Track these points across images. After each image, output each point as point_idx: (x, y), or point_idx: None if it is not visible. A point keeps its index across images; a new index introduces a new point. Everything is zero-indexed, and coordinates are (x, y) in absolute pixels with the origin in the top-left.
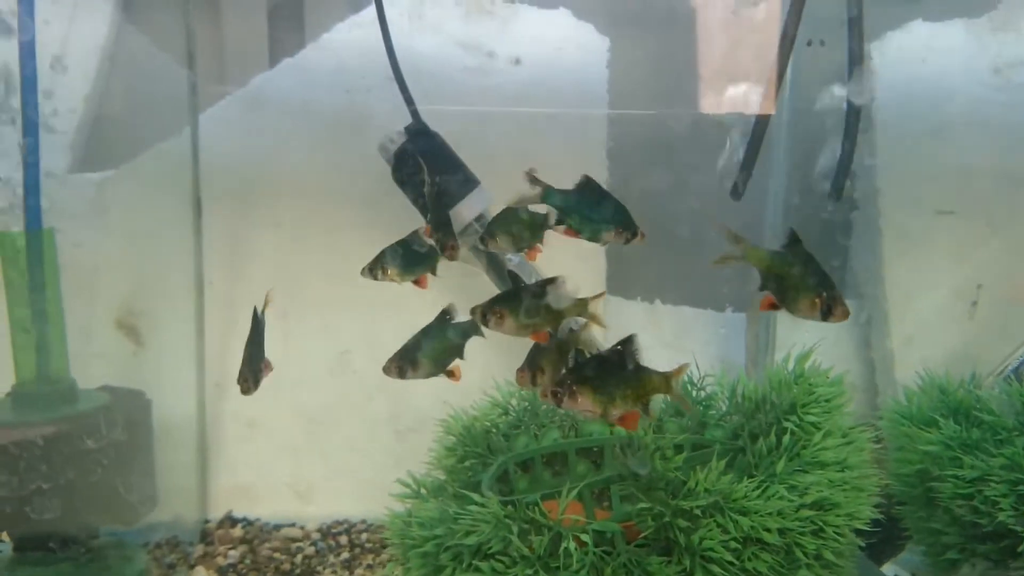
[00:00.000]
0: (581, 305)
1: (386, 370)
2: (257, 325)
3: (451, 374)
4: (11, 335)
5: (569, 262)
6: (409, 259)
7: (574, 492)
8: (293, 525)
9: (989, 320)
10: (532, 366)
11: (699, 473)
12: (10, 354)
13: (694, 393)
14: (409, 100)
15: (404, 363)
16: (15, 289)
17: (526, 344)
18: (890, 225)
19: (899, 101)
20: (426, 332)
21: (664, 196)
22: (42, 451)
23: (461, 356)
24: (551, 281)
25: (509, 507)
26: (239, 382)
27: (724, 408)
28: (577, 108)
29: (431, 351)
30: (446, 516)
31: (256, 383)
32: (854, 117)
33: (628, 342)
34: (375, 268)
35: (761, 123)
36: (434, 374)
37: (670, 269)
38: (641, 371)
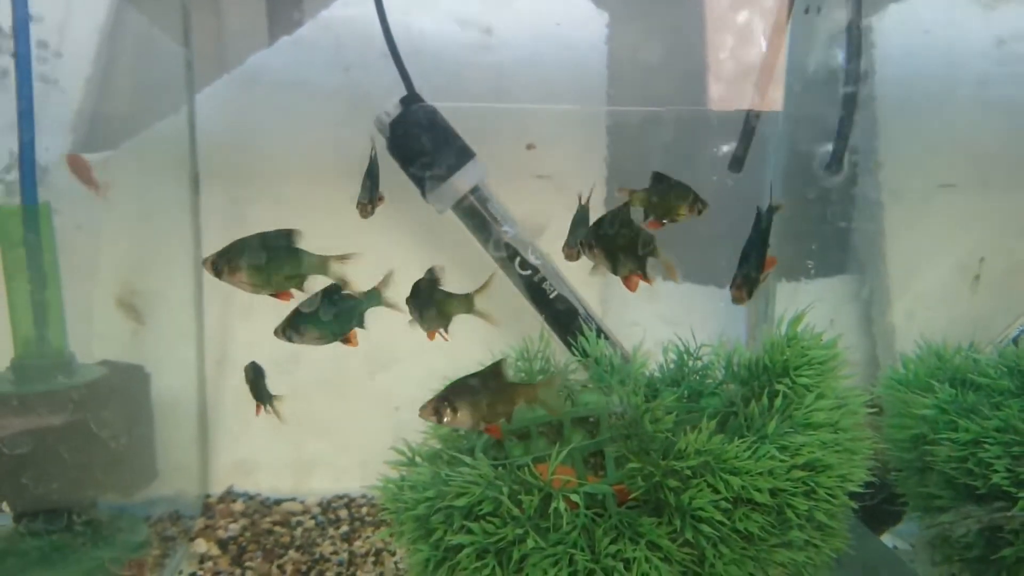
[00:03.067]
0: (323, 263)
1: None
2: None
3: (348, 340)
4: (9, 309)
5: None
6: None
7: (563, 453)
8: (293, 500)
9: (991, 293)
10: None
11: (690, 434)
12: (8, 328)
13: (690, 363)
14: (403, 71)
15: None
16: (12, 263)
17: (524, 317)
18: (891, 199)
19: (900, 73)
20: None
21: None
22: (40, 422)
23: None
24: (288, 232)
25: (499, 469)
26: (357, 206)
27: (720, 376)
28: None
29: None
30: (437, 479)
31: (371, 211)
32: (852, 89)
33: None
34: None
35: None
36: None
37: (670, 246)
38: None
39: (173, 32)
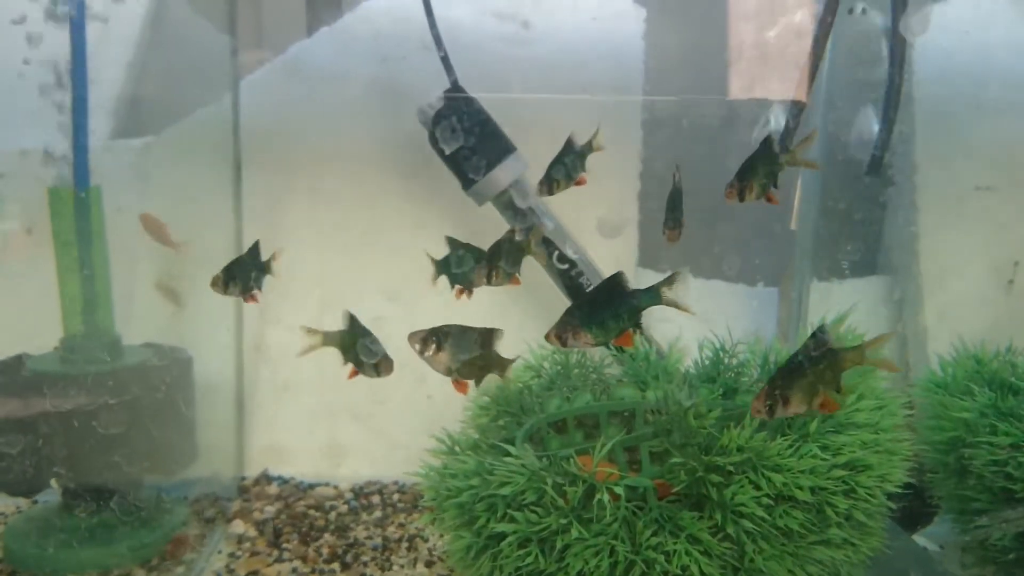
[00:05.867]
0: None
1: None
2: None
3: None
4: (59, 289)
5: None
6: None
7: (608, 447)
8: (327, 484)
9: None
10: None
11: (732, 431)
12: (58, 309)
13: (725, 360)
14: (448, 66)
15: None
16: (63, 245)
17: (556, 309)
18: (926, 200)
19: (939, 74)
20: None
21: (696, 170)
22: (89, 402)
23: None
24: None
25: (543, 460)
26: (664, 231)
27: (756, 375)
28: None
29: None
30: (481, 468)
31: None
32: (894, 90)
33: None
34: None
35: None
36: None
37: (701, 243)
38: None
39: (218, 20)
